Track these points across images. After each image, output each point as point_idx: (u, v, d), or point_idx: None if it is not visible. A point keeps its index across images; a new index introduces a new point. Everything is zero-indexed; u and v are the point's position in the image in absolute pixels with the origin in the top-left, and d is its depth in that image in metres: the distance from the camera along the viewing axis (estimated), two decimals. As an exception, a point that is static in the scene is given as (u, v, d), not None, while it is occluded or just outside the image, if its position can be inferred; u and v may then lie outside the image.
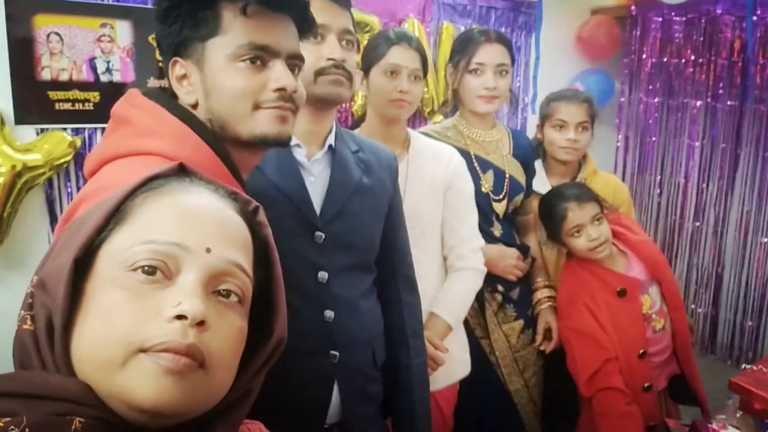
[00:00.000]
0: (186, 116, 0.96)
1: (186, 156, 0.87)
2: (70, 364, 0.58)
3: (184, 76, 0.99)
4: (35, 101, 1.91)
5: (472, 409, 2.03)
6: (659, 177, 3.32)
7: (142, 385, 0.55)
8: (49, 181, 1.98)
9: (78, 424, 0.54)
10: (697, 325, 3.21)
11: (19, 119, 1.90)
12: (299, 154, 1.33)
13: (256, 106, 0.97)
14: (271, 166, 1.29)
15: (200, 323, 0.58)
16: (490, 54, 1.98)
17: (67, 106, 1.96)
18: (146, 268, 0.59)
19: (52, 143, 1.91)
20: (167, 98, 1.00)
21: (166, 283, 0.59)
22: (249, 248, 0.68)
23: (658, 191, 3.33)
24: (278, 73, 0.97)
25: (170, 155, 0.88)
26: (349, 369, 1.36)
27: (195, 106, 0.99)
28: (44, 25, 1.88)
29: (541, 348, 2.10)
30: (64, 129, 1.98)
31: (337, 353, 1.34)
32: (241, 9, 0.95)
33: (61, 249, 0.62)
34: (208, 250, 0.62)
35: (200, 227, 0.63)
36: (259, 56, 0.97)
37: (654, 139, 3.30)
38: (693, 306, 3.25)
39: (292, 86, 0.98)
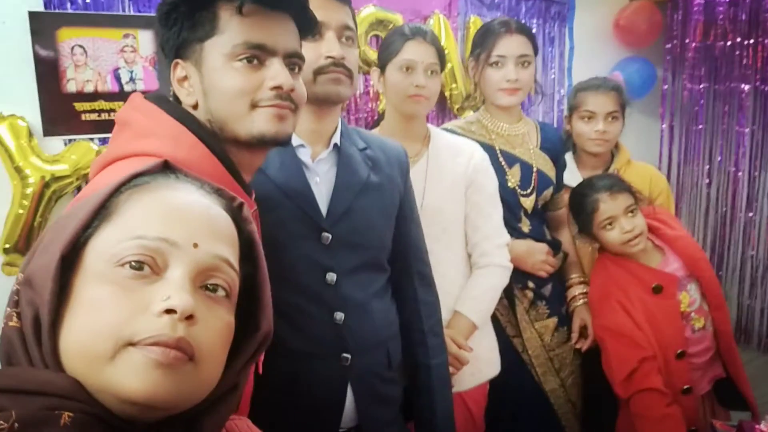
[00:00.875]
0: (183, 117, 0.97)
1: (183, 156, 0.87)
2: (58, 359, 0.59)
3: (185, 78, 0.99)
4: (62, 113, 1.95)
5: (505, 409, 1.97)
6: (707, 166, 3.17)
7: (132, 378, 0.56)
8: (78, 189, 2.01)
9: (67, 419, 0.54)
10: (752, 321, 3.05)
11: (47, 131, 1.94)
12: (304, 155, 1.31)
13: (254, 105, 0.97)
14: (274, 168, 1.27)
15: (189, 317, 0.58)
16: (510, 45, 1.92)
17: (93, 116, 1.99)
18: (134, 263, 0.59)
19: (79, 153, 1.95)
20: (166, 100, 1.01)
21: (154, 278, 0.60)
22: (235, 244, 0.69)
23: (707, 181, 3.17)
24: (275, 71, 0.97)
25: (167, 156, 0.87)
26: (363, 371, 1.34)
27: (195, 107, 0.99)
28: (68, 38, 1.92)
29: (577, 346, 2.03)
30: (91, 139, 2.01)
31: (349, 356, 1.31)
32: (237, 8, 0.95)
33: (47, 246, 0.63)
34: (195, 246, 0.62)
35: (187, 223, 0.64)
36: (256, 55, 0.96)
37: (701, 126, 3.15)
38: (748, 301, 3.09)
39: (288, 84, 0.97)
